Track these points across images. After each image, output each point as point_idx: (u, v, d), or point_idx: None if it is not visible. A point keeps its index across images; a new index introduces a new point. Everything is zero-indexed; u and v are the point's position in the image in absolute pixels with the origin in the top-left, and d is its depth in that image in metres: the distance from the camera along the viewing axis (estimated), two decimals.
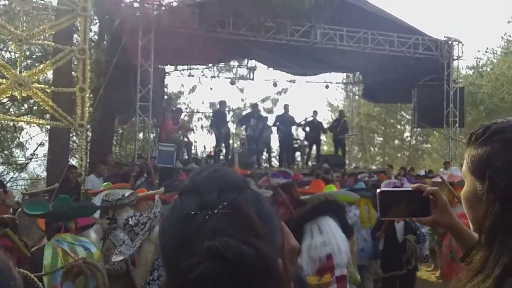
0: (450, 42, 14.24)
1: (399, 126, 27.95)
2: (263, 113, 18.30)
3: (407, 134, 27.01)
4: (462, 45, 14.47)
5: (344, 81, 19.65)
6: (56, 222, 3.57)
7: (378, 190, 1.28)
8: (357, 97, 19.32)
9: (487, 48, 27.63)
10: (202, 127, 21.16)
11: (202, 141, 34.81)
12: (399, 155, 27.86)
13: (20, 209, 6.12)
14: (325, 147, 24.83)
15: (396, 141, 28.39)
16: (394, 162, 23.27)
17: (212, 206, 0.74)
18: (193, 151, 14.46)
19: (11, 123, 14.96)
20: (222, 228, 0.72)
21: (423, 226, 5.81)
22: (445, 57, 14.06)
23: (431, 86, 14.63)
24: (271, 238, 0.77)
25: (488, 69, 26.63)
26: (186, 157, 12.63)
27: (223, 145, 13.53)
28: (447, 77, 14.27)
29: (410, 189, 1.27)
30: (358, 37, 12.87)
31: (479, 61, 27.19)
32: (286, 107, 14.16)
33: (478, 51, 27.51)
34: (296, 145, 14.95)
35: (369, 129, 25.18)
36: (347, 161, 15.75)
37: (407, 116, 22.45)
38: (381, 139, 28.42)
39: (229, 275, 0.68)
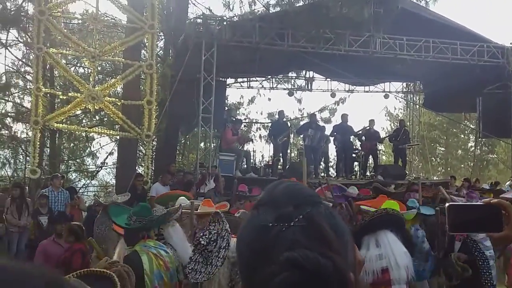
0: None
1: (462, 136, 26.88)
2: (321, 123, 18.36)
3: (471, 144, 25.92)
4: None
5: (404, 90, 19.25)
6: (142, 231, 3.89)
7: (447, 204, 1.26)
8: (417, 106, 18.85)
9: None
10: (260, 137, 21.47)
11: (261, 151, 35.18)
12: (462, 166, 26.76)
13: (98, 216, 6.59)
14: (384, 157, 24.35)
15: (460, 151, 27.30)
16: (457, 173, 22.38)
17: (288, 219, 0.78)
18: (251, 161, 14.73)
19: (84, 134, 15.94)
20: (299, 240, 0.75)
21: (487, 249, 5.43)
22: (511, 64, 13.47)
23: (497, 94, 14.03)
24: (344, 252, 0.79)
25: None
26: (245, 166, 12.91)
27: (280, 154, 13.70)
28: None
29: (481, 203, 1.23)
30: (419, 45, 12.64)
31: None
32: (344, 116, 14.11)
33: None
34: (354, 155, 14.83)
35: (430, 139, 24.43)
36: (407, 172, 15.38)
37: (471, 126, 21.59)
38: (443, 149, 27.44)
39: (307, 285, 0.72)
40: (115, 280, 2.15)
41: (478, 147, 23.76)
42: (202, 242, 3.65)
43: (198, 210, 5.12)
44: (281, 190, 0.85)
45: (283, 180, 0.91)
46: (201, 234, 3.79)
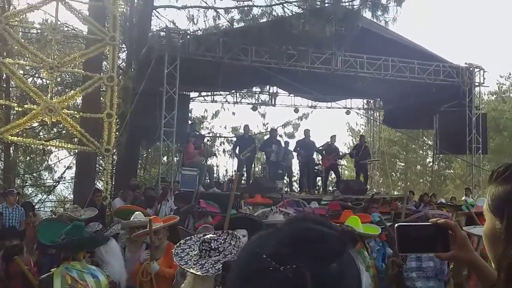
0: (471, 68, 14.23)
1: (421, 152, 27.71)
2: (284, 138, 18.51)
3: (429, 159, 26.74)
4: (484, 71, 14.46)
5: (365, 106, 19.72)
6: (65, 252, 3.71)
7: (396, 225, 1.26)
8: (378, 122, 19.32)
9: (510, 74, 27.30)
10: (224, 151, 21.43)
11: (224, 165, 35.04)
12: (421, 180, 27.52)
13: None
14: (346, 172, 24.74)
15: (419, 167, 28.09)
16: (416, 188, 23.02)
17: (281, 261, 0.74)
18: (215, 175, 14.63)
19: (41, 147, 15.43)
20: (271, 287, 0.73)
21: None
22: (466, 83, 14.04)
23: (453, 112, 14.58)
24: None
25: (511, 95, 26.34)
26: (208, 181, 12.80)
27: (244, 169, 13.67)
28: (469, 103, 14.20)
29: (428, 223, 1.24)
30: (379, 64, 13.01)
31: (502, 87, 26.94)
32: (306, 132, 14.27)
33: (501, 77, 27.15)
34: (316, 170, 14.99)
35: (390, 154, 25.05)
36: (368, 187, 15.66)
37: (429, 142, 22.28)
38: (403, 164, 28.17)
39: None
40: None
41: (436, 163, 24.52)
42: (212, 246, 3.42)
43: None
44: (296, 228, 0.80)
45: (314, 218, 0.85)
46: (215, 237, 3.54)
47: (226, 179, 15.33)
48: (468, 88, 14.14)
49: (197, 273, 3.28)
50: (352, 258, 0.80)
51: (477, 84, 14.50)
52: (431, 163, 25.76)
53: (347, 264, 0.78)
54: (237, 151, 13.55)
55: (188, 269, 3.36)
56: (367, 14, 12.40)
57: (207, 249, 3.41)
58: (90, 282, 3.57)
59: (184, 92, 13.65)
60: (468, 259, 1.23)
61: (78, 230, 3.86)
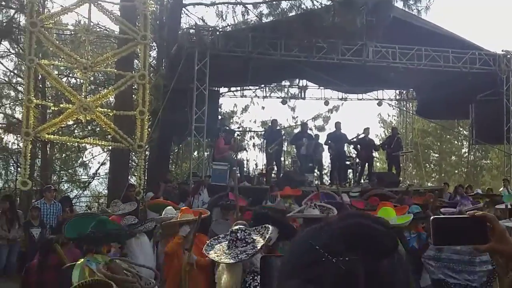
0: (508, 56, 13.71)
1: (456, 142, 27.02)
2: (314, 131, 18.39)
3: (464, 150, 26.05)
4: None
5: (397, 97, 19.34)
6: (87, 245, 3.79)
7: (431, 217, 1.26)
8: (411, 113, 18.92)
9: None
10: (254, 145, 21.45)
11: (254, 160, 35.13)
12: (456, 171, 26.86)
13: None
14: (378, 164, 24.38)
15: (453, 158, 27.42)
16: (451, 179, 22.50)
17: (334, 253, 0.75)
18: (245, 170, 14.67)
19: (76, 144, 15.84)
20: (324, 278, 0.73)
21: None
22: (504, 71, 13.54)
23: (490, 101, 14.12)
24: None
25: None
26: (239, 175, 12.84)
27: (274, 163, 13.66)
28: (507, 92, 13.70)
29: (466, 215, 1.23)
30: (412, 53, 12.70)
31: None
32: (337, 124, 14.13)
33: None
34: (348, 163, 14.83)
35: (424, 146, 24.52)
36: (401, 179, 15.40)
37: (465, 132, 21.69)
38: (437, 155, 27.55)
39: None
40: None
41: (472, 153, 23.87)
42: (238, 236, 3.54)
43: (179, 218, 5.16)
44: (350, 224, 0.81)
45: (367, 215, 0.86)
46: (243, 228, 3.68)
47: (256, 173, 15.35)
48: (506, 76, 13.63)
49: (224, 261, 3.46)
50: (401, 256, 0.81)
51: None
52: (466, 154, 25.10)
53: (398, 261, 0.79)
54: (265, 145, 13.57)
55: (215, 258, 3.53)
56: (399, 3, 12.17)
57: (233, 239, 3.54)
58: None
59: (214, 88, 13.74)
60: (508, 252, 1.22)
61: (102, 224, 4.01)
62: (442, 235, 1.23)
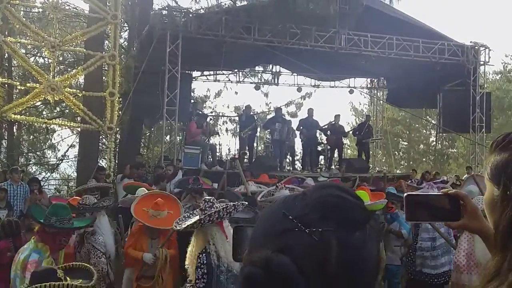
0: (476, 47, 14.08)
1: (424, 131, 27.65)
2: (287, 117, 18.48)
3: (432, 138, 26.70)
4: (489, 50, 14.29)
5: (369, 85, 19.61)
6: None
7: (405, 194, 1.27)
8: (381, 101, 19.24)
9: None
10: (226, 130, 21.43)
11: (227, 144, 35.11)
12: (424, 159, 27.54)
13: None
14: (349, 151, 24.76)
15: (422, 146, 28.07)
16: (419, 167, 23.00)
17: (307, 224, 0.75)
18: (217, 154, 14.68)
19: (44, 126, 15.47)
20: (296, 248, 0.73)
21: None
22: (471, 62, 13.91)
23: (457, 91, 14.51)
24: (345, 286, 0.75)
25: None
26: (211, 159, 12.86)
27: (247, 148, 13.72)
28: (474, 82, 14.10)
29: (439, 193, 1.25)
30: (383, 42, 12.88)
31: (507, 66, 26.68)
32: (310, 111, 14.25)
33: (506, 56, 26.84)
34: (319, 149, 15.03)
35: (393, 134, 24.99)
36: (370, 165, 15.71)
37: (433, 121, 22.21)
38: (406, 143, 28.15)
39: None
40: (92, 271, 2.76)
41: (439, 142, 24.51)
42: (201, 206, 3.90)
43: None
44: (325, 194, 0.80)
45: (340, 186, 0.86)
46: (209, 199, 4.01)
47: (228, 158, 15.38)
48: (473, 66, 14.02)
49: (192, 221, 3.81)
50: (373, 229, 0.82)
51: (482, 63, 14.36)
52: (434, 142, 25.75)
53: (370, 234, 0.79)
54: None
55: (185, 224, 3.84)
56: None
57: (196, 208, 3.98)
58: (17, 258, 3.77)
59: (187, 71, 13.59)
60: (479, 228, 1.24)
61: (64, 210, 4.04)
62: (415, 211, 1.24)
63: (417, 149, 27.98)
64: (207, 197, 4.13)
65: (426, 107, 19.19)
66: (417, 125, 26.82)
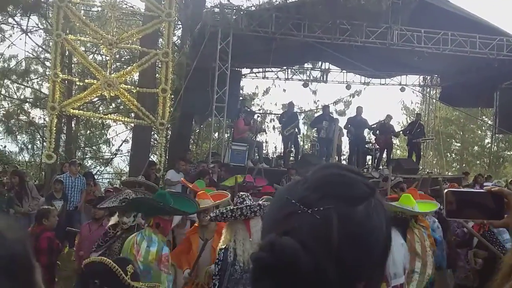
0: None
1: (479, 132, 26.55)
2: (335, 115, 18.29)
3: (488, 140, 25.60)
4: None
5: (421, 83, 19.06)
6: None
7: (445, 190, 1.24)
8: (434, 100, 18.65)
9: None
10: (274, 128, 21.49)
11: (274, 142, 35.16)
12: (478, 162, 26.45)
13: None
14: (398, 152, 24.19)
15: (476, 148, 26.97)
16: (472, 170, 22.15)
17: (309, 205, 0.77)
18: (264, 151, 14.76)
19: (100, 121, 16.13)
20: (300, 230, 0.75)
21: (506, 242, 5.19)
22: None
23: None
24: (353, 261, 0.76)
25: None
26: (257, 156, 12.95)
27: (293, 146, 13.69)
28: None
29: (482, 191, 1.21)
30: (437, 38, 12.46)
31: None
32: (358, 109, 14.04)
33: None
34: (367, 148, 14.77)
35: (446, 134, 24.15)
36: (421, 167, 15.27)
37: (488, 121, 21.29)
38: (459, 145, 27.14)
39: (272, 273, 0.73)
40: None
41: (495, 144, 23.48)
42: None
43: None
44: (324, 174, 0.82)
45: (340, 165, 0.89)
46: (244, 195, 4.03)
47: (275, 155, 15.43)
48: None
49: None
50: (381, 203, 0.82)
51: None
52: (489, 144, 24.68)
53: (375, 208, 0.80)
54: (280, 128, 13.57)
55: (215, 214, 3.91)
56: None
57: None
58: (141, 249, 3.71)
59: (236, 69, 13.77)
60: None
61: (161, 197, 4.03)
62: (456, 208, 1.21)
63: (471, 150, 26.91)
64: (241, 193, 4.08)
65: (481, 106, 18.43)
66: (471, 126, 25.78)
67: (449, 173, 21.05)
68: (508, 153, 25.59)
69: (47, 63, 15.86)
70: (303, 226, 0.75)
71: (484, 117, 21.68)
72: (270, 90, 21.48)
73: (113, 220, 5.06)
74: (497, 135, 19.22)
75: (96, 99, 14.70)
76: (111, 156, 18.95)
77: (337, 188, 0.79)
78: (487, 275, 4.98)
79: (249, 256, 0.80)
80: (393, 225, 3.09)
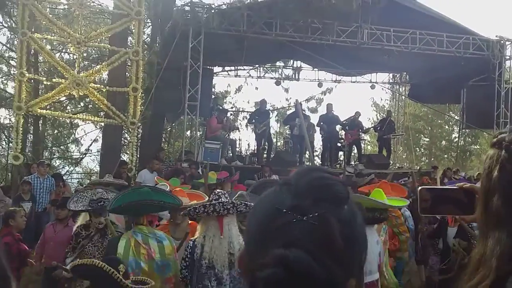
0: (502, 41, 13.79)
1: (446, 127, 27.24)
2: (307, 112, 18.42)
3: (455, 135, 26.29)
4: None
5: (391, 81, 19.40)
6: (129, 216, 3.88)
7: (419, 188, 1.27)
8: (403, 97, 19.02)
9: None
10: (246, 125, 21.48)
11: (247, 140, 35.10)
12: (446, 156, 27.15)
13: None
14: (369, 147, 24.57)
15: (444, 142, 27.67)
16: (440, 164, 22.71)
17: (303, 212, 0.76)
18: (237, 149, 14.75)
19: (68, 120, 15.77)
20: (302, 238, 0.74)
21: None
22: (496, 57, 13.62)
23: (481, 87, 14.22)
24: (349, 261, 0.77)
25: None
26: (231, 154, 12.94)
27: (266, 143, 13.72)
28: (499, 77, 13.82)
29: (454, 187, 1.25)
30: (406, 37, 12.71)
31: None
32: (329, 106, 14.19)
33: None
34: (339, 145, 14.96)
35: (415, 130, 24.69)
36: (391, 162, 15.57)
37: (455, 117, 21.87)
38: (427, 139, 27.79)
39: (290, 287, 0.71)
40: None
41: (462, 138, 24.13)
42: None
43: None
44: (310, 179, 0.81)
45: (320, 168, 0.89)
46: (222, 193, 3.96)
47: (248, 153, 15.44)
48: (498, 61, 13.73)
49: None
50: (354, 202, 0.84)
51: (507, 57, 14.07)
52: (456, 139, 25.35)
53: (354, 206, 0.82)
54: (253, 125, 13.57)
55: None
56: None
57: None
58: (153, 246, 3.69)
59: (208, 67, 13.67)
60: None
61: (146, 195, 3.91)
62: (429, 205, 1.25)
63: (439, 145, 27.59)
64: (217, 190, 4.06)
65: (449, 102, 18.93)
66: (439, 121, 26.41)
67: (418, 167, 21.53)
68: (474, 147, 26.33)
69: (12, 62, 15.40)
70: (305, 235, 0.74)
71: (451, 112, 22.25)
72: (243, 88, 21.49)
73: (82, 220, 4.97)
74: (464, 130, 19.73)
75: (64, 98, 14.34)
76: (81, 156, 18.57)
77: (325, 192, 0.79)
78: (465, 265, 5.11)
79: (261, 272, 0.72)
80: (369, 222, 3.10)
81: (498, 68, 13.77)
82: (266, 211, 0.80)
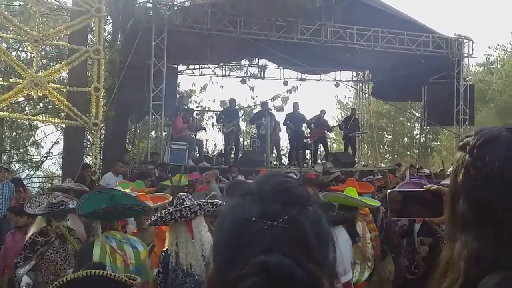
0: (460, 39, 14.22)
1: (408, 124, 27.92)
2: (273, 111, 18.47)
3: (416, 132, 26.98)
4: (473, 42, 14.45)
5: (354, 79, 19.71)
6: (101, 221, 3.72)
7: (388, 191, 1.29)
8: (366, 95, 19.36)
9: (498, 45, 27.43)
10: (213, 125, 21.35)
11: (213, 140, 34.87)
12: (408, 153, 27.82)
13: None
14: (334, 145, 24.90)
15: (406, 139, 28.35)
16: (403, 160, 23.27)
17: (272, 217, 0.75)
18: (204, 149, 14.61)
19: (27, 122, 15.21)
20: (277, 243, 0.73)
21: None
22: (455, 54, 14.04)
23: (441, 84, 14.62)
24: (324, 260, 0.78)
25: (499, 66, 26.51)
26: (198, 155, 12.79)
27: (233, 143, 13.65)
28: (457, 75, 14.25)
29: (421, 189, 1.25)
30: (368, 35, 12.93)
31: (489, 58, 27.08)
32: (295, 105, 14.26)
33: (489, 48, 27.28)
34: (305, 142, 15.05)
35: (378, 127, 25.19)
36: (357, 159, 15.80)
37: (417, 114, 22.42)
38: (390, 137, 28.40)
39: None
40: None
41: (423, 135, 24.78)
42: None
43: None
44: (272, 185, 0.82)
45: (278, 173, 0.89)
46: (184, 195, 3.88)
47: (215, 153, 15.32)
48: (457, 59, 14.15)
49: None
50: (316, 201, 0.85)
51: (465, 55, 14.51)
52: (418, 135, 26.01)
53: (316, 206, 0.83)
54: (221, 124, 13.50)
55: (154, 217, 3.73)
56: None
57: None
58: (129, 253, 3.61)
59: (172, 65, 13.46)
60: None
61: (117, 200, 3.83)
62: (399, 207, 1.25)
63: (402, 142, 28.24)
64: (181, 193, 3.97)
65: (410, 100, 19.37)
66: (401, 118, 27.05)
67: (382, 164, 21.96)
68: (435, 143, 27.10)
69: None
70: (279, 240, 0.73)
71: (412, 110, 22.80)
72: (208, 87, 21.33)
73: (37, 227, 4.75)
74: (425, 127, 20.25)
75: (22, 99, 13.82)
76: (41, 159, 17.94)
77: (289, 194, 0.80)
78: (432, 262, 5.17)
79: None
80: (338, 221, 3.09)
81: (457, 66, 14.19)
82: (234, 224, 0.78)
